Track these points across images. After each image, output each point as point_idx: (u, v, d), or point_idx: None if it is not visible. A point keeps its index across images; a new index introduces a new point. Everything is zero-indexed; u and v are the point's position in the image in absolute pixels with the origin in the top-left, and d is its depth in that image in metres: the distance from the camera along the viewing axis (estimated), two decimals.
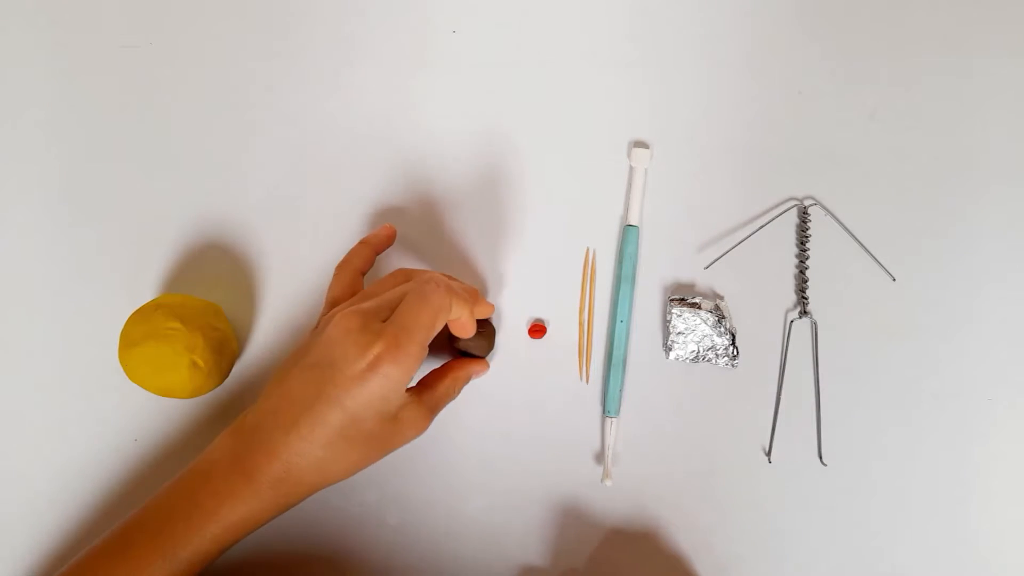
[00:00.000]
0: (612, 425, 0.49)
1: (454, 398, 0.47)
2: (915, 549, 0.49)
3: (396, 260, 0.52)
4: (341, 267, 0.47)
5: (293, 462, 0.40)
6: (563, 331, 0.51)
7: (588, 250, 0.52)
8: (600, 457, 0.50)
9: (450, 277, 0.46)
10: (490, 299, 0.51)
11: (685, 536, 0.49)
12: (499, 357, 0.51)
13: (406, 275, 0.45)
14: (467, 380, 0.48)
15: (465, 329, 0.45)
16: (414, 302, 0.40)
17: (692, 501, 0.49)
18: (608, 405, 0.49)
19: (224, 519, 0.40)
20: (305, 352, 0.41)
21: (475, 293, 0.46)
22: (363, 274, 0.47)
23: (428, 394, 0.44)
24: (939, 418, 0.50)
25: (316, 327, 0.44)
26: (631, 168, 0.52)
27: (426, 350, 0.40)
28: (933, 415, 0.50)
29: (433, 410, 0.44)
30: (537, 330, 0.50)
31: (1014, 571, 0.49)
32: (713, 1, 0.54)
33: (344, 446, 0.40)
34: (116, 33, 0.54)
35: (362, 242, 0.48)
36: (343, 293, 0.45)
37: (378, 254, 0.48)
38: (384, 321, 0.40)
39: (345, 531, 0.49)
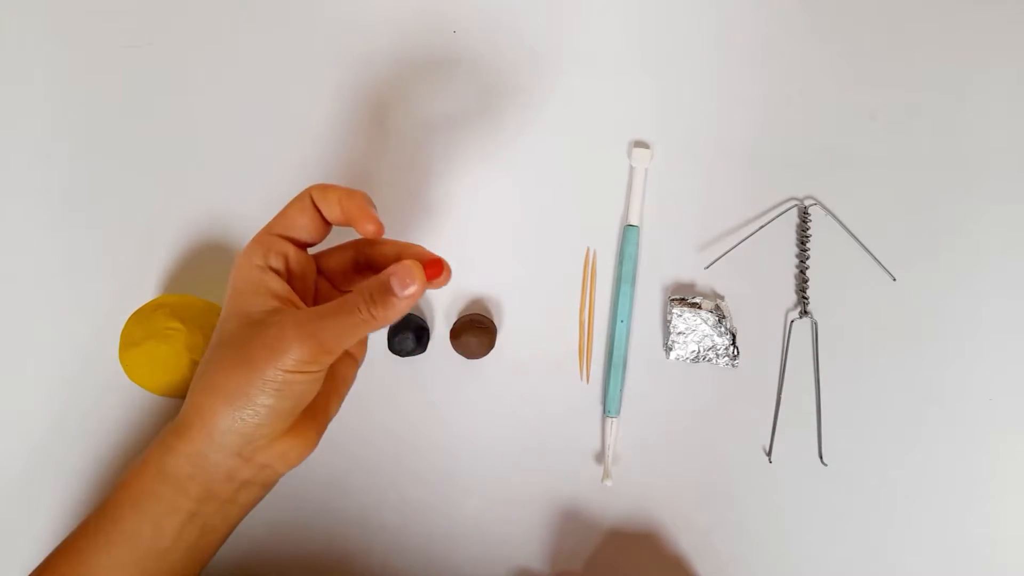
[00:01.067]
0: (612, 425, 0.49)
1: (352, 341, 0.34)
2: (915, 549, 0.49)
3: None
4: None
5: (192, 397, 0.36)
6: (564, 331, 0.51)
7: (588, 250, 0.52)
8: (600, 457, 0.50)
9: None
10: (491, 299, 0.51)
11: (685, 536, 0.49)
12: (500, 357, 0.51)
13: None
14: (374, 320, 0.34)
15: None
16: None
17: (692, 501, 0.49)
18: (608, 405, 0.49)
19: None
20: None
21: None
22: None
23: (309, 314, 0.34)
24: (939, 418, 0.50)
25: None
26: (631, 168, 0.52)
27: (277, 239, 0.36)
28: (933, 415, 0.50)
29: (312, 335, 0.33)
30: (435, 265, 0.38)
31: (1014, 571, 0.49)
32: (713, 1, 0.54)
33: (215, 358, 0.35)
34: (116, 33, 0.54)
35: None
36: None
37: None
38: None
39: (345, 533, 0.49)
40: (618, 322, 0.50)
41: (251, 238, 0.37)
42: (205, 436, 0.35)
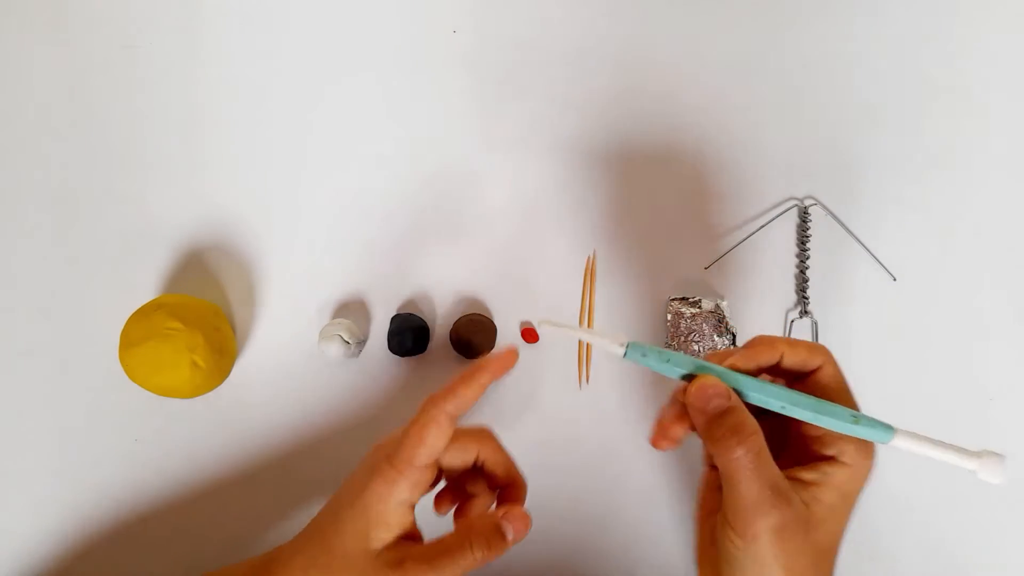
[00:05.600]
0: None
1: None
2: (915, 549, 0.49)
3: (393, 263, 0.52)
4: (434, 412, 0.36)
5: None
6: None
7: (589, 257, 0.52)
8: (602, 459, 0.50)
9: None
10: (491, 300, 0.51)
11: (685, 535, 0.49)
12: None
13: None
14: (484, 560, 0.36)
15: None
16: (410, 423, 0.36)
17: (694, 500, 0.49)
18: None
19: None
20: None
21: (459, 381, 0.36)
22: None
23: (428, 555, 0.35)
24: (939, 418, 0.50)
25: None
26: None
27: (424, 470, 0.35)
28: (933, 415, 0.50)
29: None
30: (529, 334, 0.50)
31: (1014, 571, 0.49)
32: (712, 1, 0.54)
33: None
34: (116, 33, 0.54)
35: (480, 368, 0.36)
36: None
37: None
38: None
39: None
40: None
41: (389, 464, 0.35)
42: None
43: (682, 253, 0.52)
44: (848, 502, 0.34)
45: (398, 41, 0.54)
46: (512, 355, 0.37)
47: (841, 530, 0.34)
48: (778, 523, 0.32)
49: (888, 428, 0.33)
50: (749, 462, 0.32)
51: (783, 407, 0.34)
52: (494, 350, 0.39)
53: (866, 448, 0.34)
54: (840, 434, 0.34)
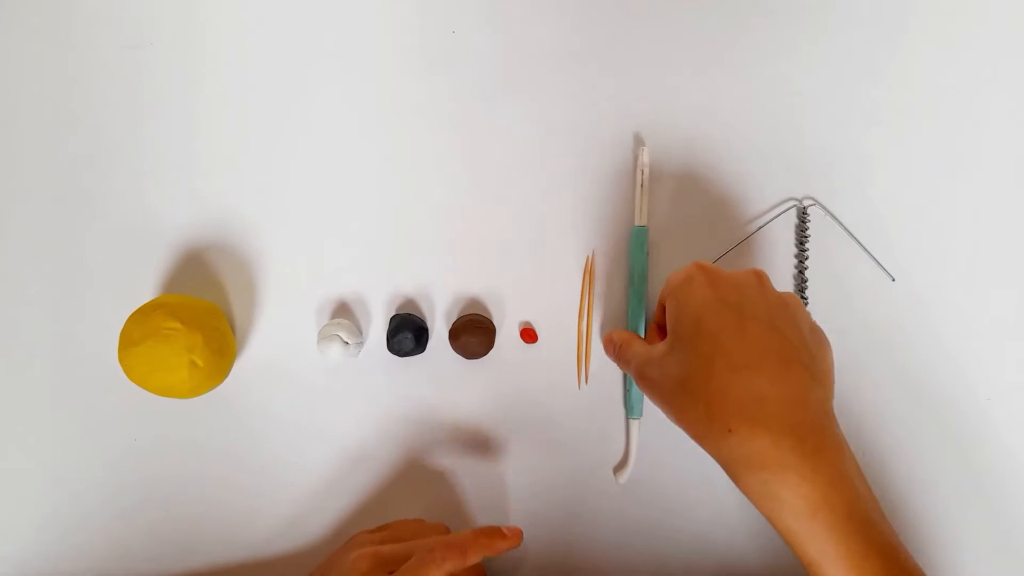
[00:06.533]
0: (636, 427, 0.49)
1: None
2: (914, 550, 0.49)
3: (393, 263, 0.52)
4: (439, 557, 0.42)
5: None
6: (564, 332, 0.51)
7: (588, 258, 0.52)
8: (597, 457, 0.50)
9: (454, 547, 0.42)
10: (491, 300, 0.51)
11: (690, 534, 0.49)
12: (499, 357, 0.51)
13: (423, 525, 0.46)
14: None
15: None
16: (414, 567, 0.41)
17: (696, 499, 0.49)
18: (632, 407, 0.49)
19: None
20: (326, 570, 0.43)
21: (471, 544, 0.42)
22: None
23: None
24: (938, 418, 0.50)
25: (347, 543, 0.45)
26: (638, 167, 0.52)
27: None
28: (932, 415, 0.50)
29: None
30: (528, 334, 0.50)
31: (1014, 571, 0.49)
32: (711, 2, 0.54)
33: None
34: (116, 33, 0.54)
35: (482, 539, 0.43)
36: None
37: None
38: (390, 573, 0.41)
39: (344, 532, 0.49)
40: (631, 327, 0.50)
41: None
42: None
43: (681, 253, 0.52)
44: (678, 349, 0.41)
45: (398, 41, 0.54)
46: (519, 539, 0.44)
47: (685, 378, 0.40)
48: (651, 397, 0.42)
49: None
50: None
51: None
52: (505, 525, 0.44)
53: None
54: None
